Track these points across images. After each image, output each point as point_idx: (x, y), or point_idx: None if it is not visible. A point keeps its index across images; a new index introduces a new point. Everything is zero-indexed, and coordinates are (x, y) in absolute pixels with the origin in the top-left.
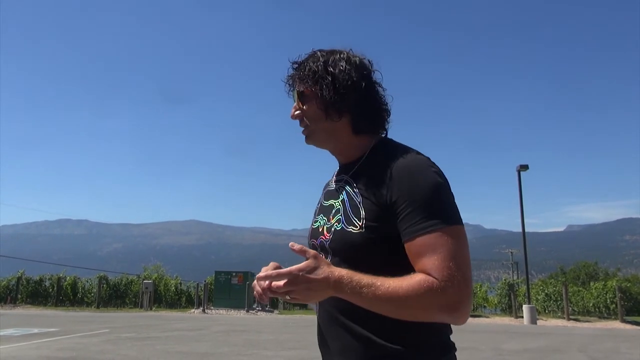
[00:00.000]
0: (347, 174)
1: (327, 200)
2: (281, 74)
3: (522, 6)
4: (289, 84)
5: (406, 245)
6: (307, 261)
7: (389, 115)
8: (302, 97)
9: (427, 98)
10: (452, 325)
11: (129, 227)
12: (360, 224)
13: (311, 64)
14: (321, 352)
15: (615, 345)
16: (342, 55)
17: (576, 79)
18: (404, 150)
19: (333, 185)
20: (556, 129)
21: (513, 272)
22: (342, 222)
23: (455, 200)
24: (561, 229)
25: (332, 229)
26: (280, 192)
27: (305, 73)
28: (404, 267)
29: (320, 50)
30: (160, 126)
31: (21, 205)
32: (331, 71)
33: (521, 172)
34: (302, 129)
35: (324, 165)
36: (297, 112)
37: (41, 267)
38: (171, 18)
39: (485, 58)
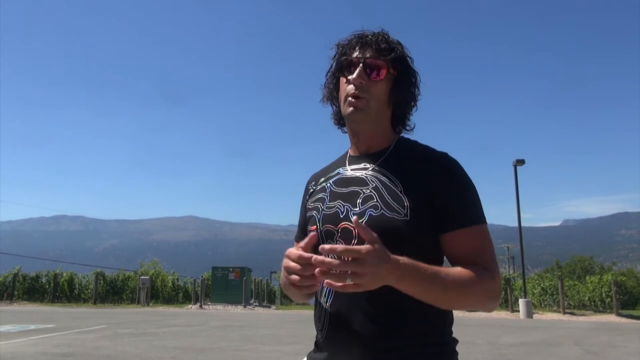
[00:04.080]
0: (371, 163)
1: (346, 187)
2: (279, 74)
3: (519, 3)
4: (355, 43)
5: (448, 236)
6: (372, 244)
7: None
8: (377, 71)
9: (423, 91)
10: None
11: (125, 223)
12: (405, 211)
13: (399, 47)
14: (323, 347)
15: (611, 339)
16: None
17: (573, 74)
18: (433, 148)
19: (350, 173)
20: (552, 124)
21: (509, 266)
22: (382, 209)
23: None
24: (557, 223)
25: (366, 215)
26: (277, 187)
27: (395, 54)
28: (433, 259)
29: (390, 36)
30: (156, 123)
31: (17, 202)
32: (411, 64)
33: (517, 167)
34: (354, 97)
35: (323, 162)
36: (363, 81)
37: (37, 264)
38: (171, 18)
39: (483, 54)
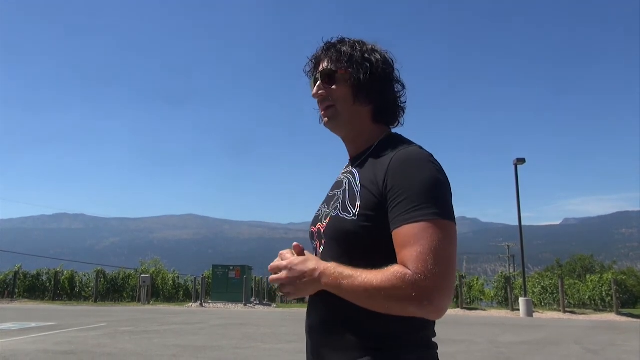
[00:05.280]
0: (353, 164)
1: (332, 190)
2: (279, 74)
3: (523, 9)
4: (312, 63)
5: (392, 234)
6: (294, 256)
7: (403, 112)
8: (331, 78)
9: (423, 91)
10: (449, 318)
11: (126, 221)
12: (354, 211)
13: (347, 48)
14: (307, 348)
15: (611, 338)
16: (374, 47)
17: (573, 74)
18: (408, 144)
19: (339, 176)
20: (554, 123)
21: (509, 265)
22: (338, 209)
23: (452, 198)
24: (557, 222)
25: (329, 216)
26: (278, 186)
27: (341, 56)
28: (386, 258)
29: (351, 39)
30: (157, 122)
31: (18, 200)
32: (368, 58)
33: (518, 166)
34: (323, 109)
35: (322, 161)
36: (322, 91)
37: (38, 262)
38: (171, 18)
39: (483, 53)
